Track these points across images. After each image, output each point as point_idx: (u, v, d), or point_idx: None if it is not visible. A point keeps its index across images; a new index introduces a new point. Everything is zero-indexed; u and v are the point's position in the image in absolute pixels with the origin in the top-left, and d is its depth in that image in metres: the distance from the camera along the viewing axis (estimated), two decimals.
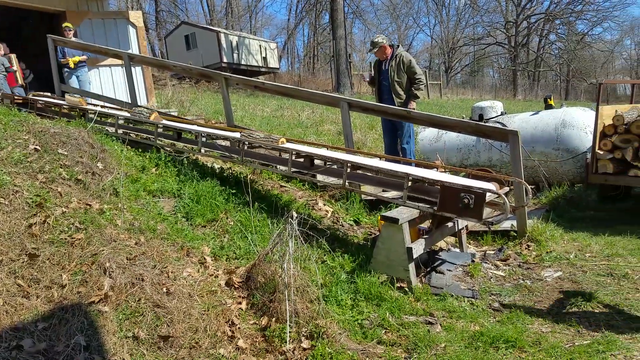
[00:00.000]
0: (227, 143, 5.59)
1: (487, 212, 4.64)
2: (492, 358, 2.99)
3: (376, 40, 6.64)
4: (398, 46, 6.73)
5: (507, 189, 4.56)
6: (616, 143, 6.30)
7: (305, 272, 3.38)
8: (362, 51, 35.88)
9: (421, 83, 6.61)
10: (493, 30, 42.43)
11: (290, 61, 41.99)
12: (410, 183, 4.24)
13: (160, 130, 5.88)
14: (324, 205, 5.31)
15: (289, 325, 2.90)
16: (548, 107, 8.92)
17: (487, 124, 7.10)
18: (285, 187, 5.77)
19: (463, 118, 7.52)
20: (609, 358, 2.96)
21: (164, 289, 2.90)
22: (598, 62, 43.23)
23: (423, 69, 28.87)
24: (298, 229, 3.23)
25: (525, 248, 5.01)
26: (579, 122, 7.45)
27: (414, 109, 6.37)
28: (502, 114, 8.57)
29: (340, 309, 3.44)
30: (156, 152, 5.70)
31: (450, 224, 4.64)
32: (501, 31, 41.66)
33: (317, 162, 5.00)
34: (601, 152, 6.39)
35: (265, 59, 24.33)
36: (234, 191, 4.98)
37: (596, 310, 3.66)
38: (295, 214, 3.17)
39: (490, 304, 3.80)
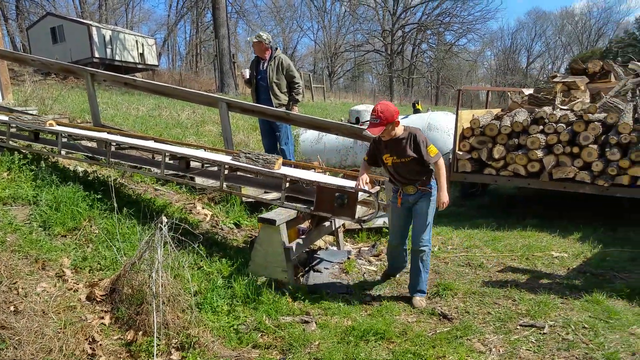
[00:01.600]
0: (95, 144, 5.23)
1: (363, 210, 4.86)
2: (362, 350, 3.13)
3: (262, 34, 6.66)
4: (277, 49, 6.80)
5: (378, 188, 4.81)
6: (473, 144, 6.95)
7: (177, 280, 3.27)
8: (247, 52, 35.65)
9: (300, 87, 6.76)
10: (371, 38, 44.56)
11: (172, 59, 40.41)
12: (288, 184, 4.29)
13: (13, 130, 5.32)
14: (203, 208, 5.18)
15: (157, 337, 2.77)
16: (416, 111, 9.60)
17: (362, 126, 7.43)
18: (160, 190, 5.52)
19: (342, 120, 7.79)
20: (466, 342, 3.24)
21: (11, 308, 2.61)
22: (464, 71, 47.36)
23: (308, 72, 29.45)
24: (170, 235, 3.10)
25: None
26: (443, 125, 8.09)
27: (297, 112, 6.48)
28: None
29: (215, 315, 3.38)
30: (9, 154, 5.13)
31: (327, 223, 4.79)
32: (379, 39, 43.91)
33: (193, 164, 4.87)
34: (460, 153, 7.00)
35: (142, 55, 23.13)
36: (99, 196, 4.61)
37: (456, 298, 3.99)
38: (165, 219, 3.05)
39: (362, 299, 3.98)
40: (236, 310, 3.50)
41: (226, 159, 4.64)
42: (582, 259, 4.83)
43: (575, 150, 6.11)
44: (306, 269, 4.48)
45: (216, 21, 21.07)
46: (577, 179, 6.07)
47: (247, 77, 6.85)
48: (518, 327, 3.46)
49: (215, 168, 4.82)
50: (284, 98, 6.69)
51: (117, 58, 21.76)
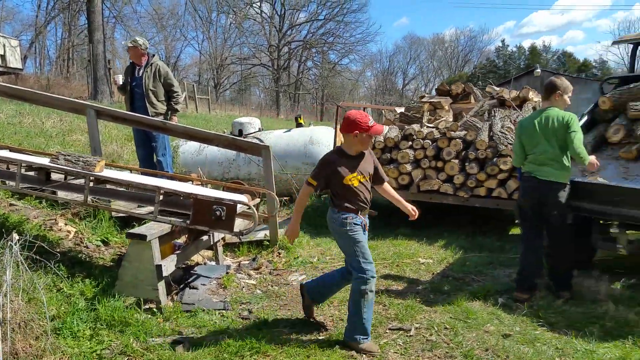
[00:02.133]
0: None
1: (244, 223, 4.82)
2: None
3: (138, 39, 6.37)
4: (154, 55, 6.55)
5: (257, 200, 4.81)
6: None
7: (31, 304, 2.96)
8: (125, 58, 33.80)
9: (179, 96, 6.57)
10: (258, 52, 44.80)
11: (39, 62, 36.93)
12: (162, 197, 4.12)
13: None
14: (66, 224, 4.77)
15: None
16: (299, 125, 9.80)
17: (244, 139, 7.41)
18: (16, 205, 4.98)
19: (224, 132, 7.70)
20: (339, 350, 3.32)
21: None
22: (347, 89, 49.45)
23: (192, 83, 28.70)
24: (24, 254, 2.82)
25: (277, 255, 5.35)
26: (324, 139, 8.34)
27: (176, 122, 6.28)
28: (259, 130, 9.06)
29: (76, 341, 3.10)
30: None
31: (205, 238, 4.67)
32: (265, 54, 44.27)
33: (56, 176, 4.48)
34: None
35: (3, 57, 20.86)
36: None
37: (332, 307, 4.10)
38: (17, 236, 2.76)
39: (240, 314, 3.93)
40: (100, 334, 3.24)
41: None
42: (445, 264, 5.23)
43: (440, 164, 6.64)
44: (181, 286, 4.31)
45: (91, 25, 19.76)
46: (441, 191, 6.59)
47: (120, 83, 6.50)
48: (387, 331, 3.64)
49: (82, 180, 4.49)
50: (162, 107, 6.44)
51: None
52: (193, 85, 26.61)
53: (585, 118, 4.93)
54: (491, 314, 3.89)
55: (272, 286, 4.60)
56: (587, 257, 4.84)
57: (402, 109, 8.56)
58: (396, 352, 3.31)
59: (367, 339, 3.38)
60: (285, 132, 8.79)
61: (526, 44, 69.91)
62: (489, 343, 3.36)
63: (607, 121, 4.84)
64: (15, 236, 2.74)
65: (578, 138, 3.88)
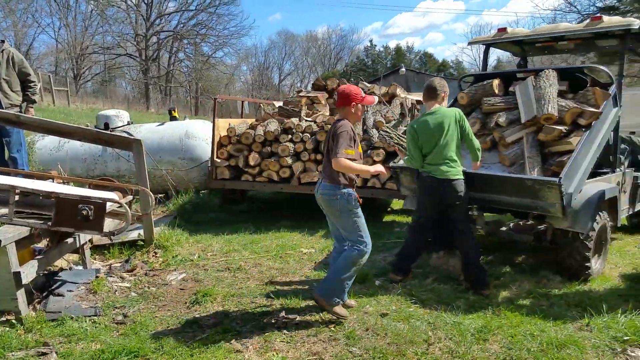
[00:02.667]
0: None
1: (114, 223, 4.49)
2: None
3: None
4: (3, 41, 5.85)
5: (130, 197, 4.53)
6: (231, 152, 7.14)
7: None
8: None
9: (36, 87, 5.95)
10: (124, 41, 41.98)
11: None
12: (18, 197, 3.69)
13: None
14: None
15: None
16: (173, 118, 9.39)
17: (111, 132, 6.90)
18: None
19: (87, 126, 7.10)
20: (224, 345, 3.26)
21: None
22: (222, 83, 48.38)
23: (48, 74, 25.98)
24: None
25: (153, 255, 5.09)
26: (201, 134, 8.09)
27: (33, 115, 5.68)
28: (128, 123, 8.52)
29: None
30: None
31: (71, 240, 4.28)
32: (131, 43, 41.65)
33: None
34: (219, 160, 7.12)
35: None
36: None
37: (215, 304, 4.00)
38: None
39: (114, 318, 3.67)
40: None
41: None
42: (326, 253, 5.39)
43: (319, 157, 6.81)
44: (44, 293, 3.90)
45: None
46: None
47: None
48: (273, 320, 3.65)
49: None
50: (16, 98, 5.80)
51: None
52: (49, 75, 24.12)
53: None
54: (370, 296, 4.10)
55: (149, 287, 4.36)
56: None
57: (280, 103, 8.62)
58: (282, 341, 3.33)
59: (339, 303, 3.59)
60: (159, 125, 8.37)
61: (392, 44, 74.76)
62: (369, 323, 3.54)
63: (465, 115, 5.32)
64: None
65: (472, 132, 4.21)
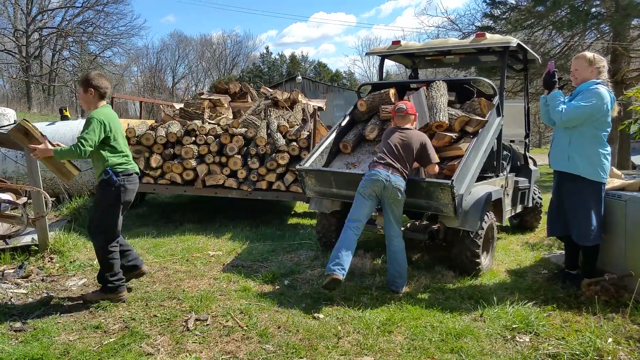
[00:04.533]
0: None
1: (4, 227, 4.20)
2: None
3: None
4: None
5: (25, 199, 4.25)
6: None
7: None
8: None
9: None
10: (1, 36, 38.15)
11: None
12: None
13: None
14: None
15: None
16: (64, 117, 8.82)
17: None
18: None
19: None
20: (134, 348, 3.21)
21: None
22: (111, 83, 45.72)
23: None
24: None
25: (49, 261, 4.81)
26: None
27: None
28: (15, 122, 7.87)
29: None
30: None
31: None
32: (10, 39, 37.99)
33: None
34: None
35: None
36: None
37: (120, 308, 3.89)
38: None
39: (11, 326, 3.45)
40: None
41: None
42: (234, 255, 5.43)
43: (224, 159, 6.84)
44: None
45: None
46: (226, 185, 6.80)
47: None
48: (183, 323, 3.64)
49: None
50: None
51: None
52: None
53: (347, 119, 5.72)
54: (279, 295, 4.21)
55: (47, 293, 4.13)
56: None
57: (181, 105, 8.49)
58: (195, 342, 3.34)
59: None
60: (49, 124, 7.85)
61: (287, 53, 75.61)
62: (281, 321, 3.65)
63: (365, 121, 5.69)
64: None
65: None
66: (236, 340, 3.37)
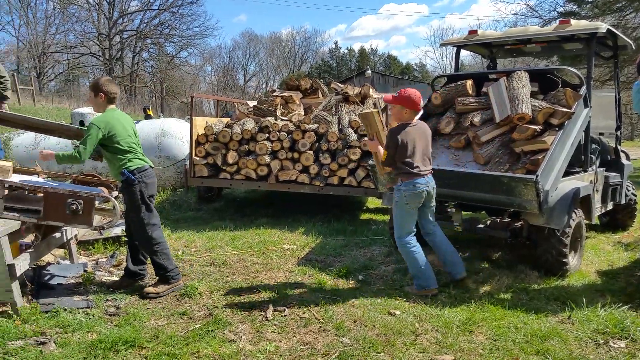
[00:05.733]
0: None
1: (97, 219, 4.51)
2: None
3: None
4: None
5: (116, 193, 4.55)
6: (209, 150, 7.19)
7: None
8: None
9: (7, 82, 5.83)
10: (86, 40, 41.01)
11: None
12: (6, 191, 3.69)
13: None
14: None
15: None
16: (147, 117, 9.37)
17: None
18: None
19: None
20: (218, 335, 3.36)
21: None
22: (187, 83, 47.79)
23: (11, 72, 25.13)
24: None
25: None
26: (176, 132, 8.11)
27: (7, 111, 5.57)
28: None
29: None
30: None
31: (58, 235, 4.29)
32: (95, 42, 40.72)
33: None
34: (197, 158, 7.16)
35: None
36: None
37: (204, 296, 4.09)
38: None
39: (106, 310, 3.72)
40: None
41: None
42: (308, 249, 5.53)
43: (296, 155, 6.95)
44: (35, 286, 3.91)
45: None
46: (298, 181, 6.91)
47: None
48: (262, 313, 3.75)
49: None
50: None
51: None
52: (13, 74, 23.40)
53: (420, 112, 5.61)
54: (354, 290, 4.24)
55: (137, 281, 4.40)
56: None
57: (254, 102, 8.72)
58: (274, 332, 3.44)
59: None
60: (136, 123, 8.33)
61: (356, 47, 75.21)
62: (357, 315, 3.67)
63: (439, 115, 5.56)
64: None
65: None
66: (313, 332, 3.43)
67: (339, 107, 7.81)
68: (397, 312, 3.73)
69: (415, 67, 57.82)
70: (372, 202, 8.43)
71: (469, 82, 5.26)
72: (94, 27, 40.65)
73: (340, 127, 7.07)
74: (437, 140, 5.39)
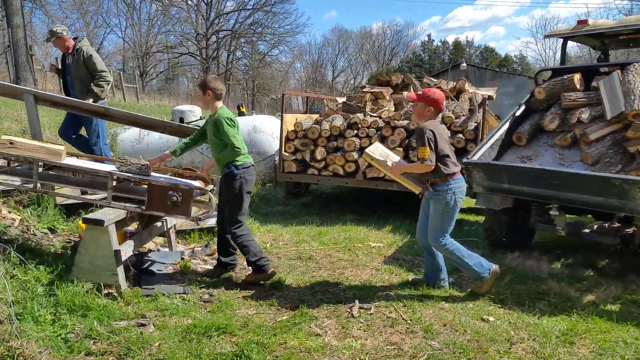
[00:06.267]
0: None
1: (194, 210, 4.75)
2: (206, 346, 3.07)
3: (54, 29, 5.96)
4: (83, 38, 6.13)
5: (211, 186, 4.76)
6: (297, 146, 7.32)
7: None
8: (46, 45, 31.56)
9: (102, 80, 5.89)
10: (185, 40, 43.45)
11: None
12: (114, 183, 3.98)
13: None
14: (9, 212, 4.48)
15: None
16: (241, 114, 9.74)
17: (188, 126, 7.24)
18: None
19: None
20: (304, 328, 3.40)
21: None
22: (277, 80, 49.10)
23: (117, 71, 27.31)
24: None
25: None
26: (267, 128, 8.34)
27: None
28: (201, 118, 8.90)
29: (38, 325, 2.97)
30: None
31: (158, 224, 4.56)
32: (193, 42, 43.02)
33: None
34: (286, 154, 7.31)
35: None
36: None
37: (290, 289, 4.17)
38: None
39: (201, 297, 3.90)
40: (62, 318, 3.13)
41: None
42: (395, 247, 5.45)
43: None
44: (137, 271, 4.20)
45: (8, 8, 18.33)
46: (386, 178, 6.81)
47: (47, 69, 6.09)
48: (348, 309, 3.75)
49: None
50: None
51: None
52: (119, 73, 25.41)
53: (521, 108, 5.31)
54: (444, 292, 4.10)
55: (228, 270, 4.58)
56: (526, 239, 5.23)
57: (343, 99, 8.73)
58: (360, 329, 3.42)
59: None
60: None
61: (450, 39, 72.79)
62: (447, 319, 3.54)
63: (542, 110, 5.23)
64: None
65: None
66: (400, 333, 3.37)
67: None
68: (491, 319, 3.56)
69: (514, 59, 54.61)
70: (465, 201, 8.11)
71: (577, 76, 4.89)
72: (192, 27, 42.95)
73: None
74: (540, 137, 5.09)
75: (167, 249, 4.87)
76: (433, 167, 3.73)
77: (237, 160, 4.17)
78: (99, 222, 3.63)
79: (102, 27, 42.48)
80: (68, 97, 5.71)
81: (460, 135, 6.56)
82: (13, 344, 2.52)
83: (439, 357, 2.99)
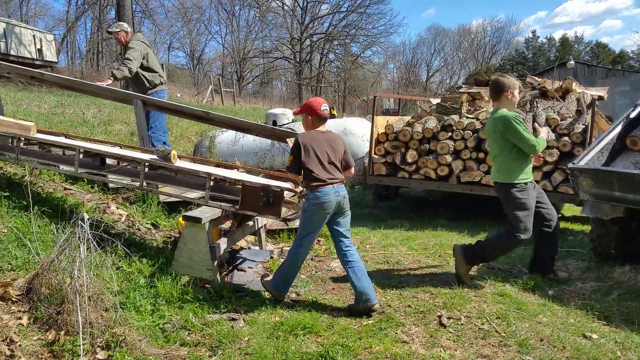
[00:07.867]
0: None
1: (283, 211, 4.88)
2: (292, 344, 3.13)
3: (111, 29, 6.49)
4: (128, 32, 6.43)
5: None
6: (388, 149, 7.24)
7: (98, 279, 3.07)
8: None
9: (125, 65, 6.01)
10: (280, 45, 44.82)
11: (71, 56, 37.70)
12: (212, 183, 4.19)
13: None
14: (117, 208, 4.90)
15: (82, 337, 2.58)
16: (332, 116, 9.87)
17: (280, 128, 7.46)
18: (70, 189, 5.14)
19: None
20: (390, 334, 3.35)
21: None
22: (369, 82, 49.08)
23: (217, 76, 28.83)
24: (90, 233, 2.90)
25: (317, 243, 5.39)
26: (358, 131, 8.35)
27: (108, 85, 5.85)
28: (292, 121, 9.13)
29: (139, 315, 3.22)
30: None
31: (250, 223, 4.73)
32: (287, 47, 44.27)
33: (109, 161, 4.60)
34: (376, 157, 7.27)
35: (40, 51, 21.26)
36: (6, 194, 4.29)
37: (377, 294, 4.10)
38: (87, 216, 2.85)
39: (288, 296, 3.98)
40: (160, 309, 3.36)
41: (145, 156, 4.43)
42: None
43: (481, 155, 6.58)
44: (230, 268, 4.39)
45: (120, 19, 20.04)
46: (482, 183, 6.53)
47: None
48: (437, 318, 3.63)
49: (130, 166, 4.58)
50: (149, 81, 6.36)
51: (12, 53, 19.76)
52: (218, 78, 26.84)
53: (637, 110, 4.85)
54: (542, 305, 3.84)
55: (315, 272, 4.65)
56: (638, 251, 4.76)
57: (437, 100, 8.50)
58: (449, 339, 3.30)
59: None
60: None
61: (557, 35, 68.03)
62: (544, 334, 3.32)
63: None
64: (86, 215, 2.83)
65: (522, 134, 3.93)
66: (492, 345, 3.20)
67: (535, 103, 7.16)
68: (594, 336, 3.28)
69: (631, 54, 49.68)
70: (569, 209, 7.59)
71: None
72: (287, 32, 44.24)
73: (534, 125, 6.48)
74: None
75: (257, 248, 5.04)
76: (296, 176, 3.86)
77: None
78: (197, 220, 3.84)
79: (204, 34, 45.11)
80: (172, 102, 6.12)
81: (567, 138, 6.13)
82: (117, 331, 2.74)
83: None
